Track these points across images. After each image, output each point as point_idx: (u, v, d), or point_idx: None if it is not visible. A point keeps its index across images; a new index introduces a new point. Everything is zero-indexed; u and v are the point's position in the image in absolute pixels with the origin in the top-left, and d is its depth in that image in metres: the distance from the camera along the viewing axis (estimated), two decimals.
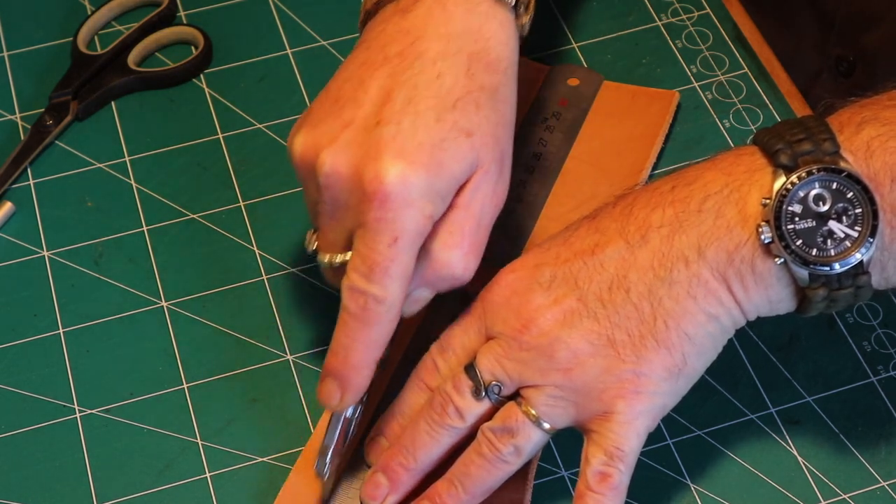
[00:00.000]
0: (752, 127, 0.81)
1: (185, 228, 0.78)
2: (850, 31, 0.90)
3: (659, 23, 0.87)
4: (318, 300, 0.75)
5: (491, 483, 0.63)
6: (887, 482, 0.68)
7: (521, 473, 0.66)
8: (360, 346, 0.62)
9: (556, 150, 0.79)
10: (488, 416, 0.63)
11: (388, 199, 0.60)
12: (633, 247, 0.61)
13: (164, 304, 0.75)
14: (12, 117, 0.84)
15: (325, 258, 0.65)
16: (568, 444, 0.68)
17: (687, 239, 0.60)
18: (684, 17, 0.87)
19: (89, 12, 0.88)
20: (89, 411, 0.71)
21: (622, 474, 0.61)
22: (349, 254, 0.62)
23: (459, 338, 0.64)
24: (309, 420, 0.70)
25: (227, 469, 0.69)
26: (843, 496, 0.67)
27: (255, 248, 0.77)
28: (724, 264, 0.60)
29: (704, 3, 0.88)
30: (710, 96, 0.83)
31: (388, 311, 0.61)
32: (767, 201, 0.59)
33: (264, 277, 0.76)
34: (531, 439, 0.62)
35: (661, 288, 0.60)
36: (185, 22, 0.88)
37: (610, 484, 0.61)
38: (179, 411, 0.71)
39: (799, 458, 0.69)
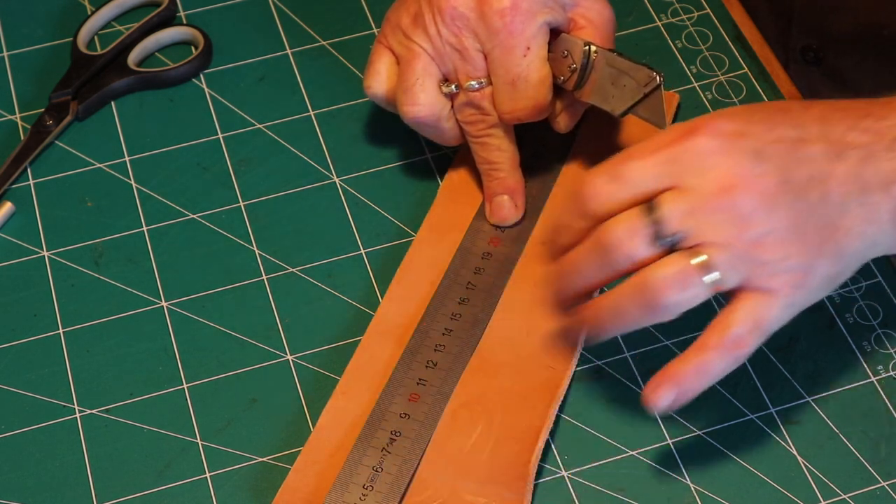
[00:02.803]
0: None
1: (185, 228, 0.78)
2: (811, 21, 0.90)
3: (659, 23, 0.87)
4: (318, 300, 0.75)
5: (630, 328, 0.63)
6: (887, 482, 0.68)
7: (522, 474, 0.66)
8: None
9: (556, 150, 0.79)
10: (652, 262, 0.62)
11: None
12: (833, 157, 0.62)
13: (164, 304, 0.75)
14: (12, 117, 0.84)
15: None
16: (568, 445, 0.68)
17: (877, 171, 0.62)
18: (684, 17, 0.87)
19: (89, 12, 0.88)
20: (89, 411, 0.71)
21: (751, 348, 0.62)
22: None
23: (639, 173, 0.62)
24: (309, 420, 0.70)
25: (226, 469, 0.69)
26: (843, 496, 0.67)
27: (255, 248, 0.77)
28: None
29: (704, 3, 0.88)
30: (710, 96, 0.83)
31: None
32: None
33: (264, 277, 0.76)
34: (696, 294, 0.61)
35: (851, 204, 0.62)
36: (185, 22, 0.88)
37: (741, 352, 0.62)
38: (179, 411, 0.71)
39: (799, 458, 0.69)
